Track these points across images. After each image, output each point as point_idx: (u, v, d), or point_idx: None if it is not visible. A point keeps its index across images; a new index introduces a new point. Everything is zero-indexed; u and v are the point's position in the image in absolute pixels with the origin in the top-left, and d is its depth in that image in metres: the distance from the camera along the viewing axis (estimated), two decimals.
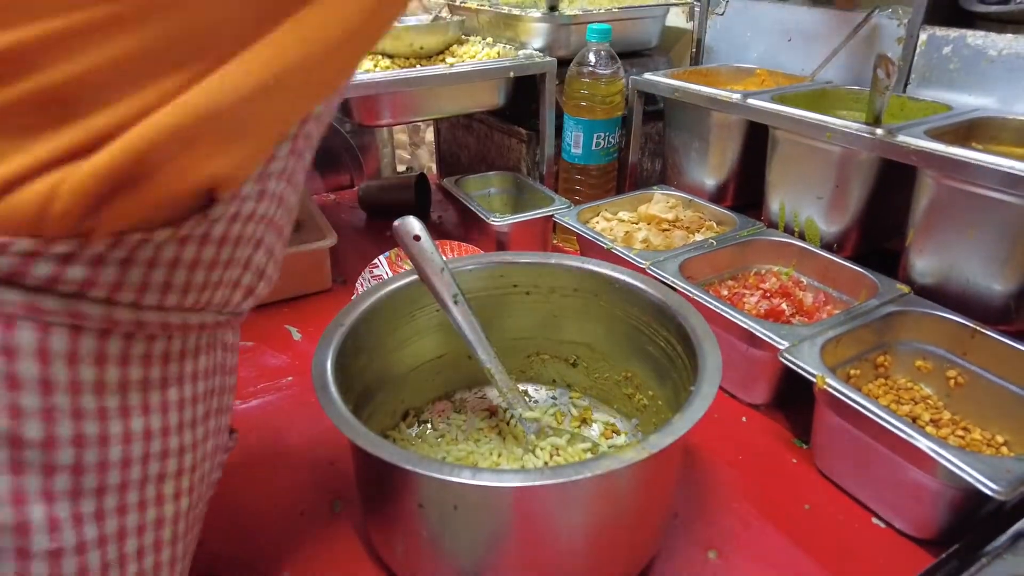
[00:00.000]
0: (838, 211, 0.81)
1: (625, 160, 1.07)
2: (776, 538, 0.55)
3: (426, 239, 0.56)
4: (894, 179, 0.76)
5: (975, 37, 0.80)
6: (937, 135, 0.70)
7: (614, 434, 0.63)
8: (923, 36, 0.85)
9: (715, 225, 0.90)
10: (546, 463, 0.56)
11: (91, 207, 0.24)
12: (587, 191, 1.02)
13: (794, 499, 0.58)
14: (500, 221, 0.90)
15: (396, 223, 0.57)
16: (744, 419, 0.68)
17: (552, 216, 0.92)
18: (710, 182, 0.99)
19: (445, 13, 1.14)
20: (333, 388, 0.46)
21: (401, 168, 1.70)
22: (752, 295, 0.74)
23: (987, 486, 0.45)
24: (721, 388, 0.70)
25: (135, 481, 0.30)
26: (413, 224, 0.57)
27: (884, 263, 0.74)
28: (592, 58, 0.94)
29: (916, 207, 0.72)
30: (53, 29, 0.22)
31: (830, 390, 0.55)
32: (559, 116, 1.01)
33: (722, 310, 0.66)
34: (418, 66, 0.94)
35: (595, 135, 0.97)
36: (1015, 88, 0.78)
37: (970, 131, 0.77)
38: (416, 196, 1.13)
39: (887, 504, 0.55)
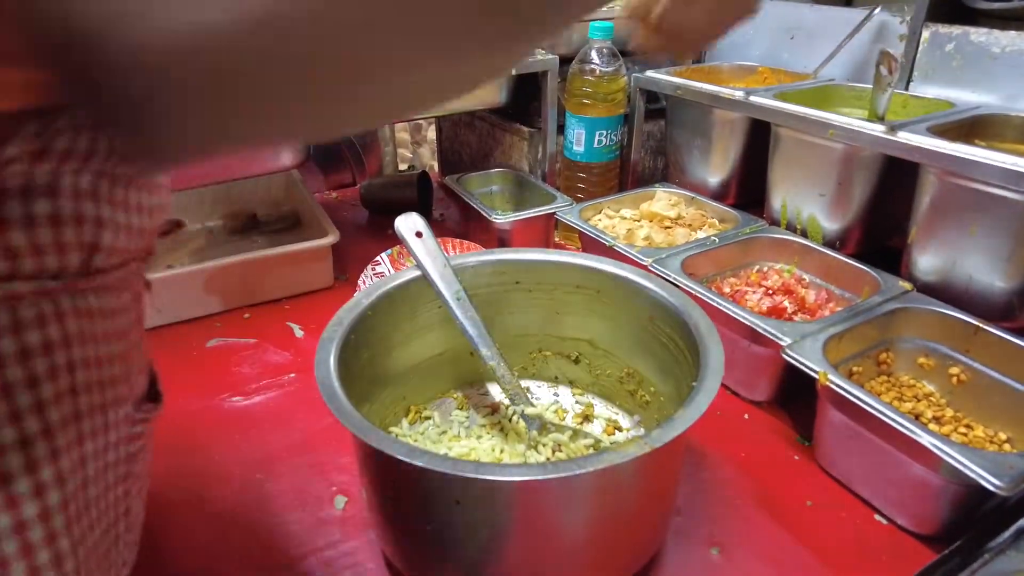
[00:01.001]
0: (840, 208, 0.81)
1: (627, 158, 1.07)
2: (778, 535, 0.55)
3: (428, 236, 0.57)
4: (896, 176, 0.76)
5: (978, 34, 0.80)
6: (940, 132, 0.70)
7: (616, 430, 0.63)
8: (926, 33, 0.85)
9: (717, 222, 0.90)
10: (548, 459, 0.56)
11: None
12: (589, 189, 1.02)
13: (796, 496, 0.58)
14: (502, 219, 0.90)
15: (398, 220, 0.57)
16: (746, 416, 0.68)
17: (554, 214, 0.92)
18: (712, 180, 0.99)
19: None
20: (337, 384, 0.46)
21: (403, 166, 1.70)
22: (754, 292, 0.74)
23: (990, 482, 0.45)
24: (723, 385, 0.70)
25: None
26: (416, 221, 0.57)
27: (886, 260, 0.74)
28: (594, 55, 0.94)
29: (918, 204, 0.72)
30: None
31: (833, 387, 0.55)
32: (561, 114, 1.01)
33: (724, 307, 0.66)
34: None
35: (597, 133, 0.97)
36: (1018, 85, 0.78)
37: (973, 128, 0.77)
38: (418, 194, 1.13)
39: (889, 500, 0.55)
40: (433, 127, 1.60)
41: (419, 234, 0.57)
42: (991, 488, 0.45)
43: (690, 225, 0.90)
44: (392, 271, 0.78)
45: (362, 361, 0.55)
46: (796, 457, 0.62)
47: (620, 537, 0.46)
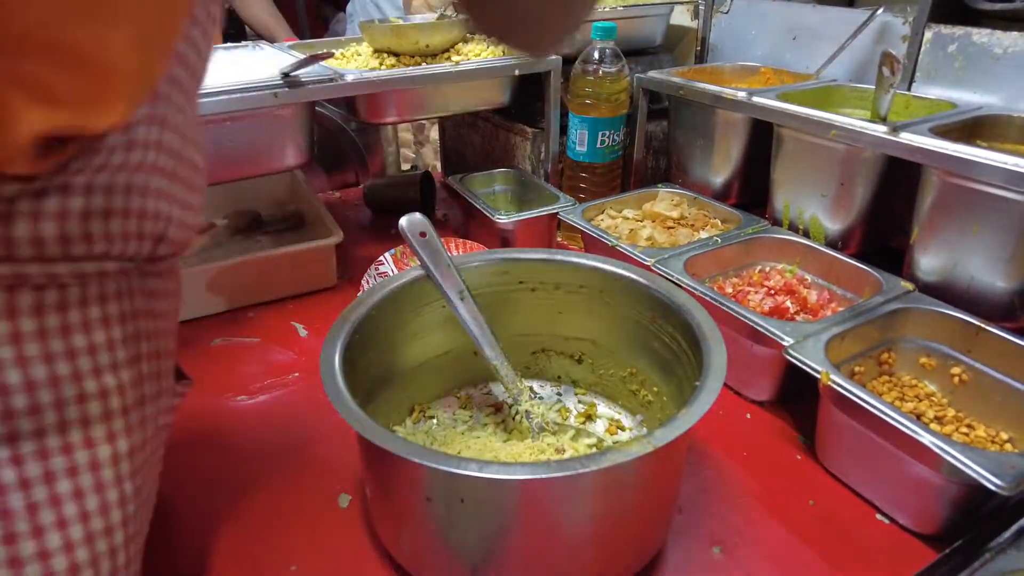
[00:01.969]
0: (842, 209, 0.81)
1: (630, 158, 1.07)
2: (780, 534, 0.55)
3: (432, 236, 0.57)
4: (899, 177, 0.76)
5: (980, 35, 0.80)
6: (942, 133, 0.70)
7: (619, 430, 0.63)
8: (928, 34, 0.85)
9: (720, 223, 0.90)
10: (551, 459, 0.57)
11: None
12: (592, 189, 1.02)
13: (798, 495, 0.58)
14: (505, 219, 0.90)
15: (403, 220, 0.57)
16: (748, 416, 0.68)
17: (557, 214, 0.92)
18: (715, 180, 0.99)
19: (451, 11, 1.15)
20: (341, 383, 0.47)
21: (405, 166, 1.70)
22: (756, 292, 0.74)
23: (991, 482, 0.45)
24: (725, 385, 0.70)
25: (52, 426, 0.31)
26: (420, 221, 0.57)
27: (888, 260, 0.74)
28: (597, 56, 0.94)
29: (920, 204, 0.72)
30: None
31: (835, 386, 0.55)
32: (564, 114, 1.01)
33: (727, 307, 0.66)
34: (423, 64, 0.94)
35: (600, 133, 0.97)
36: (1020, 86, 0.78)
37: (975, 129, 0.77)
38: (421, 194, 1.14)
39: (891, 500, 0.56)
40: (436, 127, 1.60)
41: (423, 234, 0.57)
42: (992, 488, 0.45)
43: (692, 225, 0.90)
44: (395, 271, 0.79)
45: (366, 360, 0.55)
46: (798, 456, 0.63)
47: (622, 536, 0.47)
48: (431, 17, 1.12)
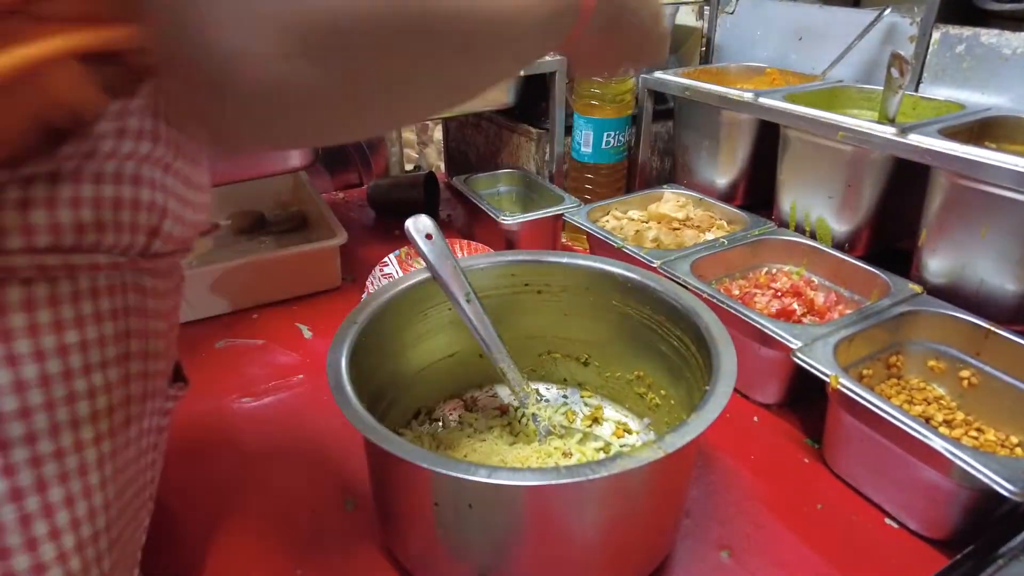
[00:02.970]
0: (850, 210, 0.80)
1: (635, 159, 1.07)
2: (788, 538, 0.54)
3: (438, 238, 0.57)
4: (906, 178, 0.75)
5: (989, 35, 0.80)
6: (950, 134, 0.70)
7: (626, 433, 0.63)
8: (936, 34, 0.84)
9: (726, 224, 0.90)
10: (558, 463, 0.56)
11: None
12: (597, 190, 1.02)
13: (806, 499, 0.58)
14: (510, 220, 0.90)
15: (408, 222, 0.57)
16: (756, 419, 0.68)
17: (562, 215, 0.92)
18: (720, 181, 0.98)
19: None
20: (348, 386, 0.46)
21: (409, 167, 1.70)
22: (763, 294, 0.74)
23: (1004, 487, 0.45)
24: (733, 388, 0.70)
25: (43, 430, 0.30)
26: (426, 223, 0.57)
27: (896, 263, 0.74)
28: None
29: (929, 206, 0.71)
30: None
31: (844, 390, 0.55)
32: (569, 115, 1.01)
33: (734, 309, 0.66)
34: None
35: (605, 134, 0.97)
36: None
37: (983, 130, 0.77)
38: (424, 194, 1.13)
39: (900, 504, 0.55)
40: (440, 128, 1.59)
41: (429, 236, 0.57)
42: (1004, 493, 0.45)
43: (698, 227, 0.90)
44: (400, 272, 0.78)
45: (372, 363, 0.55)
46: (806, 460, 0.62)
47: (631, 541, 0.46)
48: None
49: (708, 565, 0.52)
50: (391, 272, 0.83)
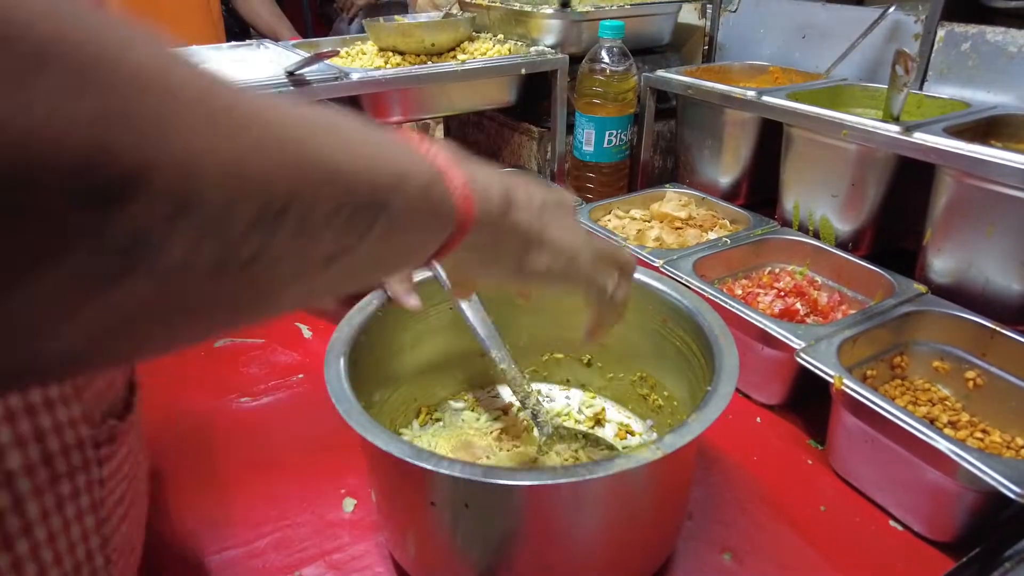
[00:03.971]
0: (853, 210, 0.80)
1: (637, 158, 1.06)
2: (792, 540, 0.54)
3: None
4: (911, 177, 0.75)
5: (994, 33, 0.79)
6: (956, 132, 0.69)
7: (628, 435, 0.62)
8: (941, 32, 0.84)
9: (728, 223, 0.89)
10: (560, 464, 0.56)
11: None
12: (599, 189, 1.02)
13: (810, 500, 0.57)
14: None
15: None
16: (759, 419, 0.67)
17: None
18: (723, 180, 0.98)
19: (456, 10, 1.14)
20: (347, 386, 0.46)
21: None
22: (766, 294, 0.73)
23: (1010, 489, 0.44)
24: (736, 388, 0.70)
25: None
26: None
27: (900, 262, 0.73)
28: (604, 55, 0.94)
29: (934, 205, 0.71)
30: None
31: (848, 391, 0.54)
32: (571, 113, 1.00)
33: (737, 309, 0.65)
34: (429, 63, 0.94)
35: (607, 132, 0.97)
36: None
37: (989, 128, 0.76)
38: None
39: (905, 506, 0.55)
40: (441, 126, 1.59)
41: None
42: (1011, 495, 0.44)
43: (701, 226, 0.89)
44: None
45: (372, 362, 0.54)
46: (809, 461, 0.62)
47: (632, 541, 0.46)
48: (437, 16, 1.11)
49: (710, 567, 0.52)
50: None
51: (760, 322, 0.63)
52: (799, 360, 0.58)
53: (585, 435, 0.59)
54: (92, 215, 0.16)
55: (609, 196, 0.97)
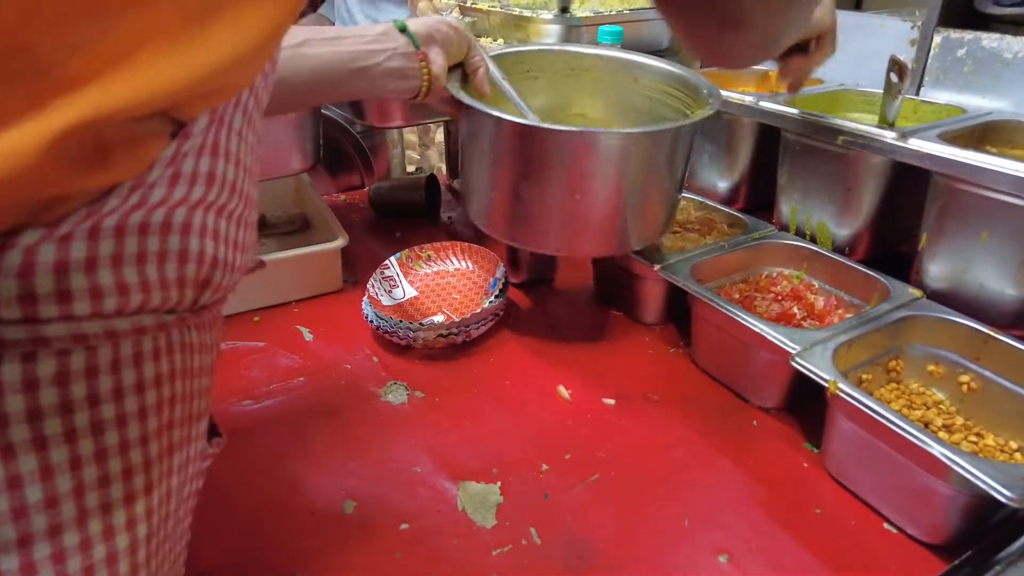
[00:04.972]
0: (850, 214, 0.80)
1: None
2: (787, 543, 0.54)
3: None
4: (907, 182, 0.75)
5: (990, 39, 0.80)
6: (951, 139, 0.70)
7: None
8: (937, 38, 0.84)
9: (726, 227, 0.90)
10: None
11: None
12: None
13: (805, 503, 0.58)
14: None
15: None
16: (755, 423, 0.68)
17: None
18: (721, 184, 0.99)
19: (456, 15, 1.14)
20: None
21: (410, 168, 1.70)
22: (763, 298, 0.74)
23: (1002, 493, 0.45)
24: (731, 391, 0.70)
25: (69, 520, 0.26)
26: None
27: (896, 267, 0.74)
28: None
29: (929, 211, 0.71)
30: None
31: (843, 395, 0.55)
32: None
33: (734, 314, 0.66)
34: None
35: None
36: None
37: (984, 134, 0.77)
38: (426, 197, 1.14)
39: (899, 509, 0.55)
40: (441, 129, 1.60)
41: None
42: (1002, 500, 0.45)
43: (699, 230, 0.90)
44: (401, 275, 0.79)
45: None
46: (805, 464, 0.62)
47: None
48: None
49: (706, 569, 0.52)
50: (392, 275, 0.83)
51: (756, 326, 0.64)
52: (794, 364, 0.59)
53: None
54: None
55: None
